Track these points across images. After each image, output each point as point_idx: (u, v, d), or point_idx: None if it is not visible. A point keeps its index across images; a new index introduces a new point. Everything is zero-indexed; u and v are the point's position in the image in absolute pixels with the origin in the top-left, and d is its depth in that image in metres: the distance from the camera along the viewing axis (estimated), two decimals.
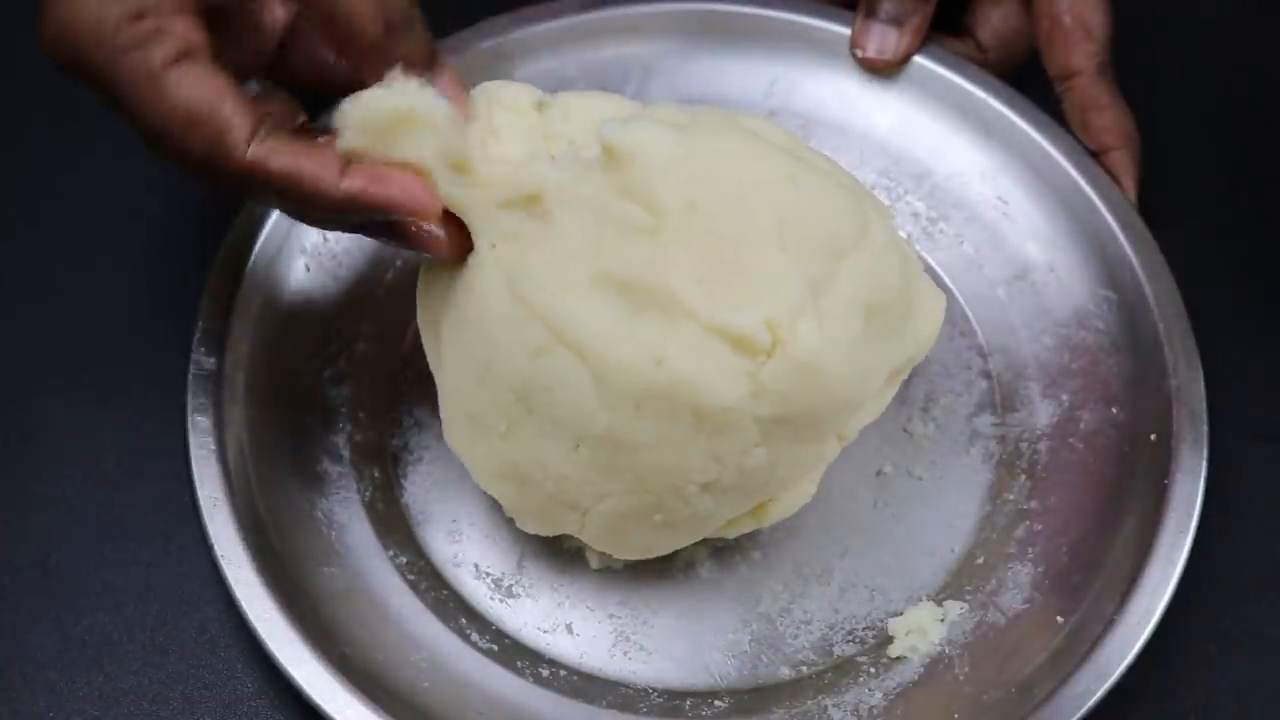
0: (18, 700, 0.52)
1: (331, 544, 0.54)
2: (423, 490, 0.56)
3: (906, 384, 0.57)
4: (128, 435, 0.57)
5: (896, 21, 0.61)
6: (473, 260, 0.49)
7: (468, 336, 0.49)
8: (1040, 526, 0.55)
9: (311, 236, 0.58)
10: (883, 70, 0.61)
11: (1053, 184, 0.59)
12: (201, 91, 0.45)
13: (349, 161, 0.47)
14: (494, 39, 0.61)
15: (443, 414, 0.52)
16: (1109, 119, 0.60)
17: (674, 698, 0.52)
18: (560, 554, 0.55)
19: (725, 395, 0.46)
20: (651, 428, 0.47)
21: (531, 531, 0.53)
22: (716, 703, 0.52)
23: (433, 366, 0.52)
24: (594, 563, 0.55)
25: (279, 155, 0.46)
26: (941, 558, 0.55)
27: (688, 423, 0.47)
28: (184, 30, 0.45)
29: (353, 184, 0.46)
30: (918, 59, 0.62)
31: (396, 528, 0.55)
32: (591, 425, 0.48)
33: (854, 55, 0.62)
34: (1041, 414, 0.57)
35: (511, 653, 0.53)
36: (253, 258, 0.56)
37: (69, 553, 0.55)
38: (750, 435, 0.47)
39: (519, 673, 0.52)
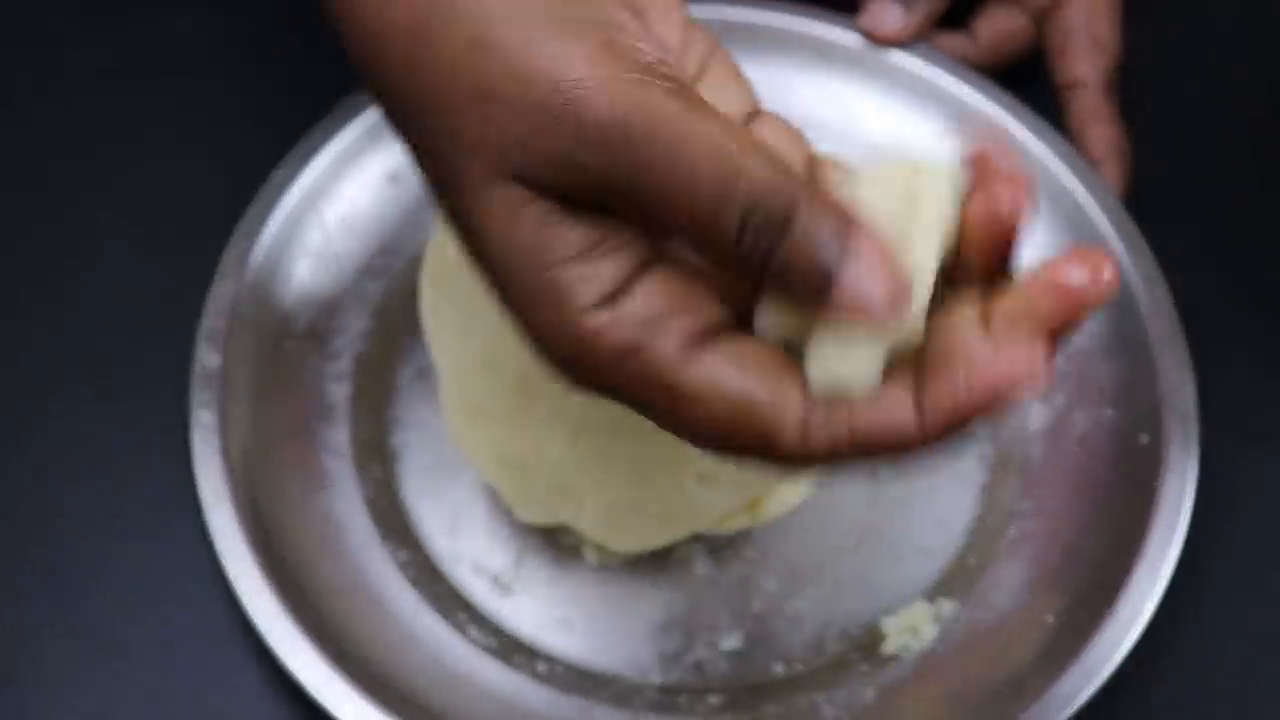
0: (22, 698, 0.52)
1: (332, 540, 0.54)
2: (423, 487, 0.57)
3: None
4: (132, 433, 0.57)
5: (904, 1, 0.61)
6: None
7: (473, 324, 0.50)
8: (1033, 527, 0.55)
9: (314, 237, 0.59)
10: (882, 42, 0.62)
11: (1047, 188, 0.60)
12: (729, 383, 0.34)
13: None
14: None
15: (443, 402, 0.53)
16: (1106, 134, 0.61)
17: (669, 693, 0.53)
18: (559, 551, 0.55)
19: None
20: None
21: (528, 521, 0.53)
22: (710, 699, 0.53)
23: (435, 355, 0.53)
24: (592, 560, 0.55)
25: (842, 439, 0.34)
26: (934, 557, 0.56)
27: None
28: (675, 301, 0.34)
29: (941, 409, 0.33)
30: (915, 63, 0.62)
31: (396, 524, 0.55)
32: (593, 414, 0.48)
33: (859, 24, 0.62)
34: (1035, 416, 0.57)
35: (509, 649, 0.53)
36: (256, 257, 0.57)
37: (74, 551, 0.55)
38: None
39: (516, 668, 0.53)
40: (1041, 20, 0.63)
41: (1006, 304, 0.35)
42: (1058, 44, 0.62)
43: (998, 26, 0.64)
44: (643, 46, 0.35)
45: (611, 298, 0.34)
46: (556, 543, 0.56)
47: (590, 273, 0.34)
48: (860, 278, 0.33)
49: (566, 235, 0.34)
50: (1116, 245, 0.58)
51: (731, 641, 0.54)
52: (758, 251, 0.33)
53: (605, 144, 0.33)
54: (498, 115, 0.34)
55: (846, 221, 0.33)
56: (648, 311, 0.34)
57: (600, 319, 0.34)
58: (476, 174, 0.35)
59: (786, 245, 0.33)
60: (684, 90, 0.34)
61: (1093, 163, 0.61)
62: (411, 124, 0.36)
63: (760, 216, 0.33)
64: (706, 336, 0.35)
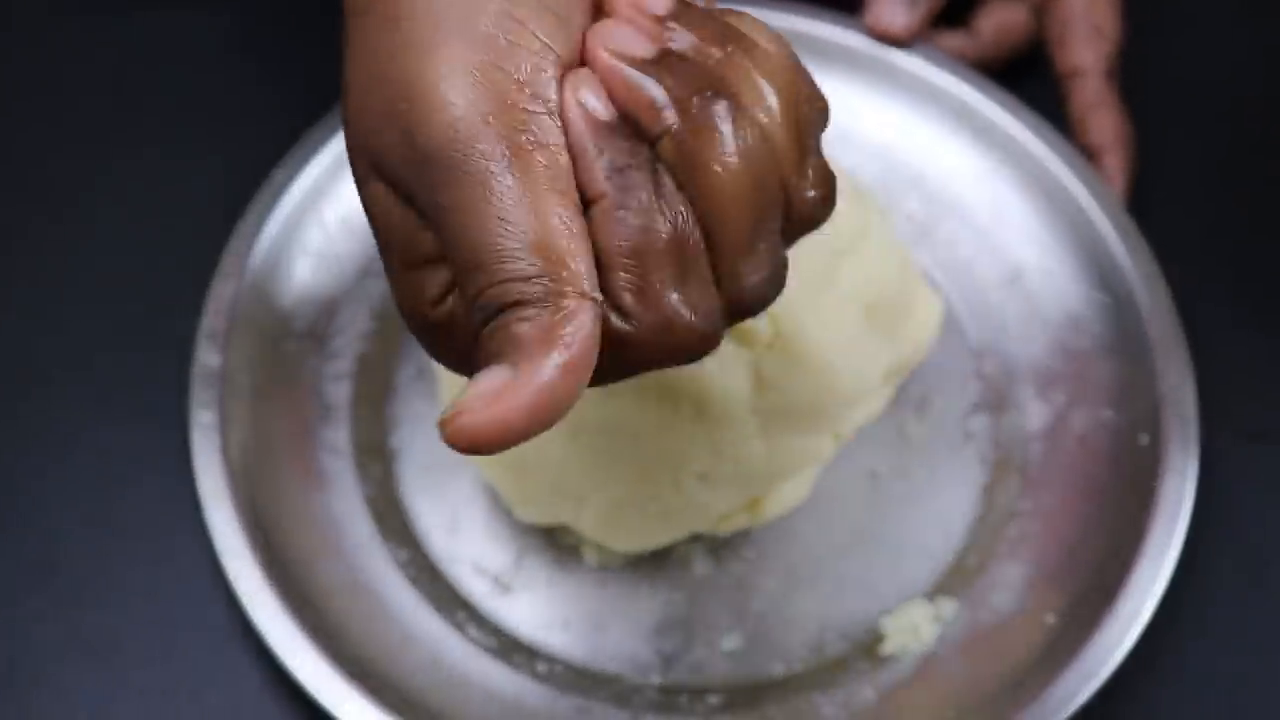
0: (25, 697, 0.53)
1: (332, 540, 0.54)
2: (422, 487, 0.57)
3: (901, 386, 0.58)
4: (133, 433, 0.57)
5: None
6: None
7: None
8: (1032, 527, 0.55)
9: (314, 237, 0.59)
10: (889, 41, 0.62)
11: (1047, 187, 0.60)
12: None
13: None
14: None
15: (443, 401, 0.53)
16: (1109, 120, 0.61)
17: (668, 693, 0.53)
18: (558, 551, 0.56)
19: (726, 386, 0.47)
20: (651, 417, 0.48)
21: (529, 521, 0.53)
22: (710, 698, 0.53)
23: None
24: (591, 560, 0.55)
25: None
26: (934, 557, 0.56)
27: (687, 413, 0.48)
28: None
29: None
30: (914, 64, 0.62)
31: (396, 524, 0.56)
32: (592, 413, 0.48)
33: (866, 23, 0.62)
34: (1034, 416, 0.57)
35: (509, 648, 0.53)
36: (256, 256, 0.57)
37: (74, 551, 0.55)
38: (748, 426, 0.48)
39: (516, 668, 0.53)
40: (1041, 11, 0.63)
41: None
42: (1057, 34, 0.62)
43: (998, 21, 0.64)
44: (525, 77, 0.34)
45: (445, 295, 0.35)
46: (556, 543, 0.56)
47: (439, 276, 0.35)
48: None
49: (423, 239, 0.35)
50: (1117, 245, 0.58)
51: (731, 641, 0.54)
52: (474, 321, 0.34)
53: (419, 169, 0.34)
54: (367, 115, 0.35)
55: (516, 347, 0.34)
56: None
57: (441, 311, 0.35)
58: (359, 166, 0.36)
59: (484, 332, 0.34)
60: (520, 149, 0.34)
61: (1095, 150, 0.61)
62: (343, 109, 0.37)
63: (482, 299, 0.34)
64: None
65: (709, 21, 0.36)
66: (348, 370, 0.58)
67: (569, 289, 0.33)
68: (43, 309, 0.60)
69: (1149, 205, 0.60)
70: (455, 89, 0.34)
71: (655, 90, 0.35)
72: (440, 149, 0.33)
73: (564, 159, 0.34)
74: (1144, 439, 0.55)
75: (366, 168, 0.36)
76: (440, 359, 0.37)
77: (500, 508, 0.56)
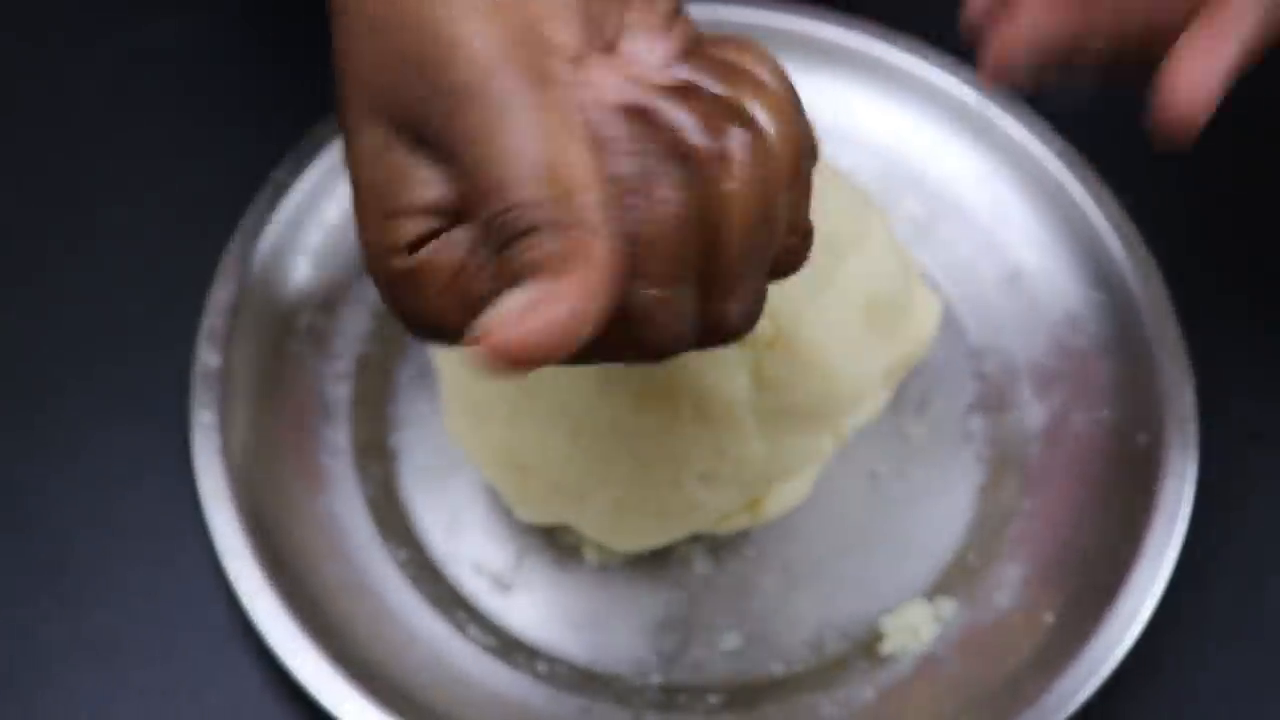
0: (27, 697, 0.53)
1: (332, 540, 0.54)
2: (423, 487, 0.57)
3: (900, 386, 0.58)
4: (133, 433, 0.57)
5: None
6: None
7: None
8: (1032, 526, 0.55)
9: (315, 237, 0.59)
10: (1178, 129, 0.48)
11: (1047, 187, 0.60)
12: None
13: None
14: None
15: (444, 401, 0.53)
16: None
17: (669, 692, 0.53)
18: (559, 551, 0.56)
19: (727, 386, 0.47)
20: (652, 418, 0.48)
21: (529, 520, 0.53)
22: (710, 698, 0.53)
23: (436, 354, 0.53)
24: (592, 560, 0.55)
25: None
26: (934, 557, 0.56)
27: (688, 413, 0.48)
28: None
29: None
30: (914, 64, 0.62)
31: (396, 524, 0.56)
32: (593, 414, 0.48)
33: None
34: (1033, 415, 0.58)
35: (509, 648, 0.53)
36: (256, 256, 0.57)
37: (74, 552, 0.55)
38: (749, 427, 0.48)
39: (517, 668, 0.53)
40: None
41: None
42: None
43: None
44: (540, 25, 0.35)
45: (417, 243, 0.36)
46: (556, 543, 0.56)
47: (417, 224, 0.36)
48: (500, 317, 0.33)
49: (417, 183, 0.36)
50: (1115, 245, 0.58)
51: (731, 641, 0.54)
52: (492, 242, 0.35)
53: (437, 101, 0.35)
54: (377, 55, 0.36)
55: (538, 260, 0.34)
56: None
57: (407, 262, 0.36)
58: (357, 107, 0.37)
59: (502, 256, 0.35)
60: (536, 84, 0.35)
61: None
62: (338, 60, 0.38)
63: (499, 223, 0.34)
64: None
65: (717, 55, 0.37)
66: (348, 370, 0.58)
67: (578, 219, 0.34)
68: (42, 310, 0.60)
69: (1149, 205, 0.60)
70: (476, 27, 0.35)
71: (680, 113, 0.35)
72: (462, 79, 0.34)
73: (576, 104, 0.35)
74: (1143, 438, 0.55)
75: (368, 110, 0.36)
76: (400, 313, 0.38)
77: (500, 508, 0.56)
